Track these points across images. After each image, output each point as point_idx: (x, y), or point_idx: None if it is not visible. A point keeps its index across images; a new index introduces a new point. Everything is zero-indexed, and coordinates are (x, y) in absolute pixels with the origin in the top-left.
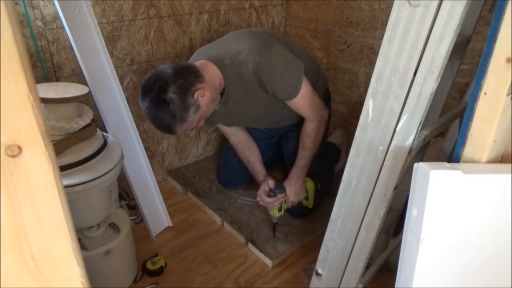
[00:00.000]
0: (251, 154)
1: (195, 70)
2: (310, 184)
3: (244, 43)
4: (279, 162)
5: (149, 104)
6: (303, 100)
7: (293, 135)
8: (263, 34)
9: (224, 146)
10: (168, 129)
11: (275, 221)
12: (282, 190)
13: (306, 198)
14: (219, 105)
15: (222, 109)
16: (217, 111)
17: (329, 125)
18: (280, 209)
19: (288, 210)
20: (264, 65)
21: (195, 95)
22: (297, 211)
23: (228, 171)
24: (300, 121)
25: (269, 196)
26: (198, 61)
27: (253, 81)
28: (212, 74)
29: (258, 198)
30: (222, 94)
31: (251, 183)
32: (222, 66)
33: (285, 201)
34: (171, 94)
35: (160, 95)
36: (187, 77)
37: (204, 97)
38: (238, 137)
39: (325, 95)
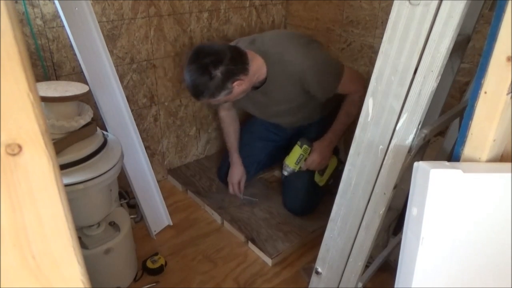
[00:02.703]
0: (235, 133)
1: (247, 62)
2: (334, 161)
3: (289, 44)
4: (279, 162)
5: (194, 68)
6: (347, 81)
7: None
8: (300, 34)
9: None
10: (196, 95)
11: (285, 173)
12: (309, 145)
13: (322, 173)
14: (257, 93)
15: (258, 97)
16: (253, 97)
17: None
18: (297, 162)
19: (288, 207)
20: (311, 67)
21: (234, 84)
22: (298, 203)
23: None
24: (314, 122)
25: (296, 144)
26: (251, 52)
27: (296, 80)
28: (257, 68)
29: (230, 187)
30: (257, 87)
31: (251, 183)
32: (269, 61)
33: (305, 159)
34: (218, 73)
35: (209, 67)
36: (238, 65)
37: (240, 87)
38: (229, 114)
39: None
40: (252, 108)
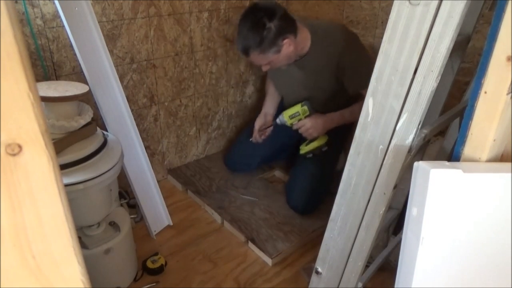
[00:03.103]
0: (273, 94)
1: (296, 26)
2: (324, 138)
3: (337, 29)
4: (282, 161)
5: (249, 20)
6: None
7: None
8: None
9: (242, 132)
10: (246, 48)
11: (278, 121)
12: (310, 110)
13: (308, 142)
14: (293, 66)
15: (294, 70)
16: (288, 70)
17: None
18: (291, 117)
19: (292, 205)
20: (351, 53)
21: (284, 41)
22: (302, 202)
23: (241, 154)
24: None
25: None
26: (298, 22)
27: (333, 62)
28: (303, 37)
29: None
30: (295, 60)
31: (252, 183)
32: (314, 36)
33: (300, 119)
34: (272, 25)
35: (263, 19)
36: (290, 26)
37: (287, 49)
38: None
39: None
40: (283, 81)
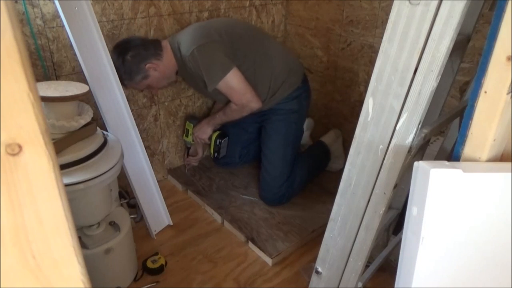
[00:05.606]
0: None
1: (159, 49)
2: (214, 135)
3: (188, 36)
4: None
5: (114, 58)
6: (226, 89)
7: (269, 121)
8: (212, 29)
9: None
10: (120, 80)
11: (187, 145)
12: (191, 122)
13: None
14: (186, 78)
15: (188, 80)
16: (189, 80)
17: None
18: (187, 135)
19: (261, 195)
20: (192, 56)
21: (147, 66)
22: (270, 194)
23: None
24: (273, 107)
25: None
26: (166, 41)
27: (191, 70)
28: (169, 56)
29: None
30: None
31: (251, 182)
32: (174, 51)
33: (192, 133)
34: (129, 57)
35: (122, 53)
36: (149, 51)
37: (156, 71)
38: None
39: (296, 92)
40: (195, 89)
